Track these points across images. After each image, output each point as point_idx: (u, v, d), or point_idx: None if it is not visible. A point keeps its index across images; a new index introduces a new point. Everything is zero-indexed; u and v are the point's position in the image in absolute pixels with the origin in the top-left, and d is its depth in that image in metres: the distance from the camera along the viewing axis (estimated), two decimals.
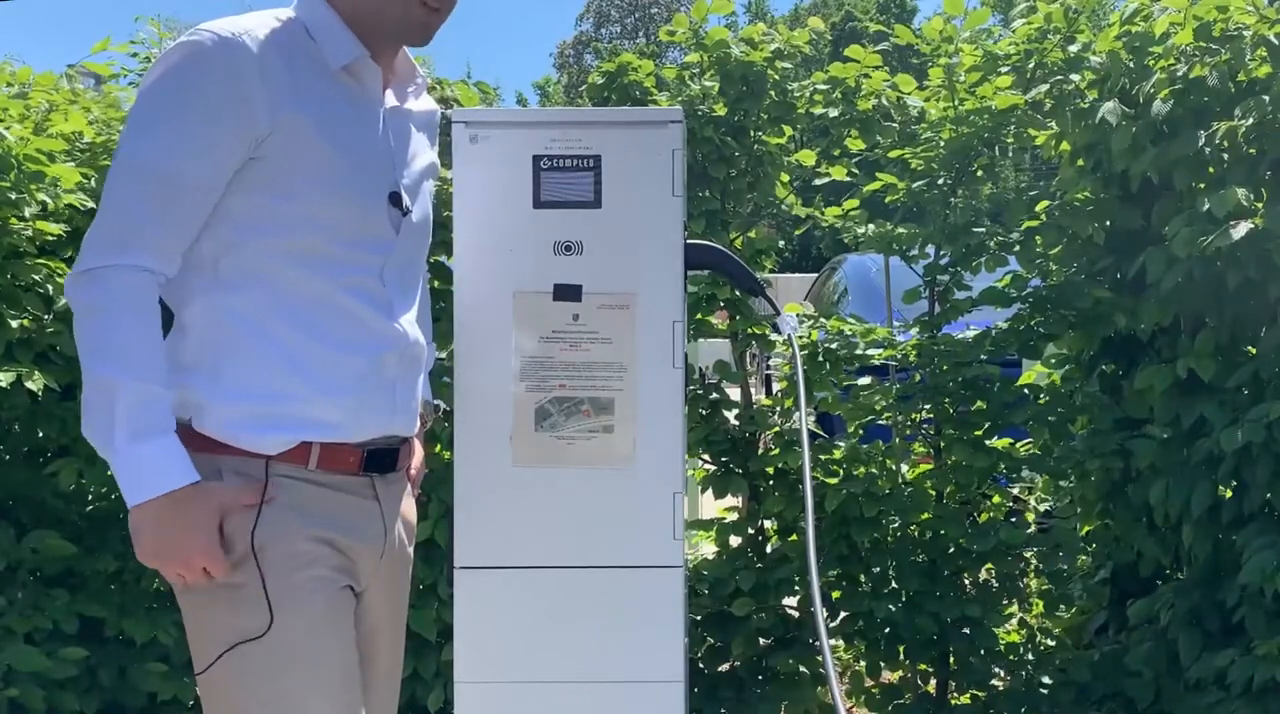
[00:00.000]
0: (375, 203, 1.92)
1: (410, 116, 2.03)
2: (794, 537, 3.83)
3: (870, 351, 3.84)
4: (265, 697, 1.81)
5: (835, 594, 3.82)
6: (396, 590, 2.07)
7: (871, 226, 3.87)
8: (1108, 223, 3.76)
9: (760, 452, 3.89)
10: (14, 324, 3.32)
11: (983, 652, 3.78)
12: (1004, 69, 3.79)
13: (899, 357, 3.87)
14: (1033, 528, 3.99)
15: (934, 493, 3.83)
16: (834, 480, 3.71)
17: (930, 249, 3.90)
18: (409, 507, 2.09)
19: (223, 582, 1.80)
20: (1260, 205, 3.21)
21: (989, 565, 3.84)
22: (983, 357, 3.77)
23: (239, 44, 1.78)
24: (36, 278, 3.40)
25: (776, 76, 3.77)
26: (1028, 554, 3.91)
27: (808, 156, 3.97)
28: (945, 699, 3.87)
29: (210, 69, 1.77)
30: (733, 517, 3.97)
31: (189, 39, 1.79)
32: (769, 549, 3.91)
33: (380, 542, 1.97)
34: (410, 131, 2.02)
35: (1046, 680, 3.81)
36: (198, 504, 1.77)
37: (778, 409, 3.89)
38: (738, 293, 3.74)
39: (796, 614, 3.89)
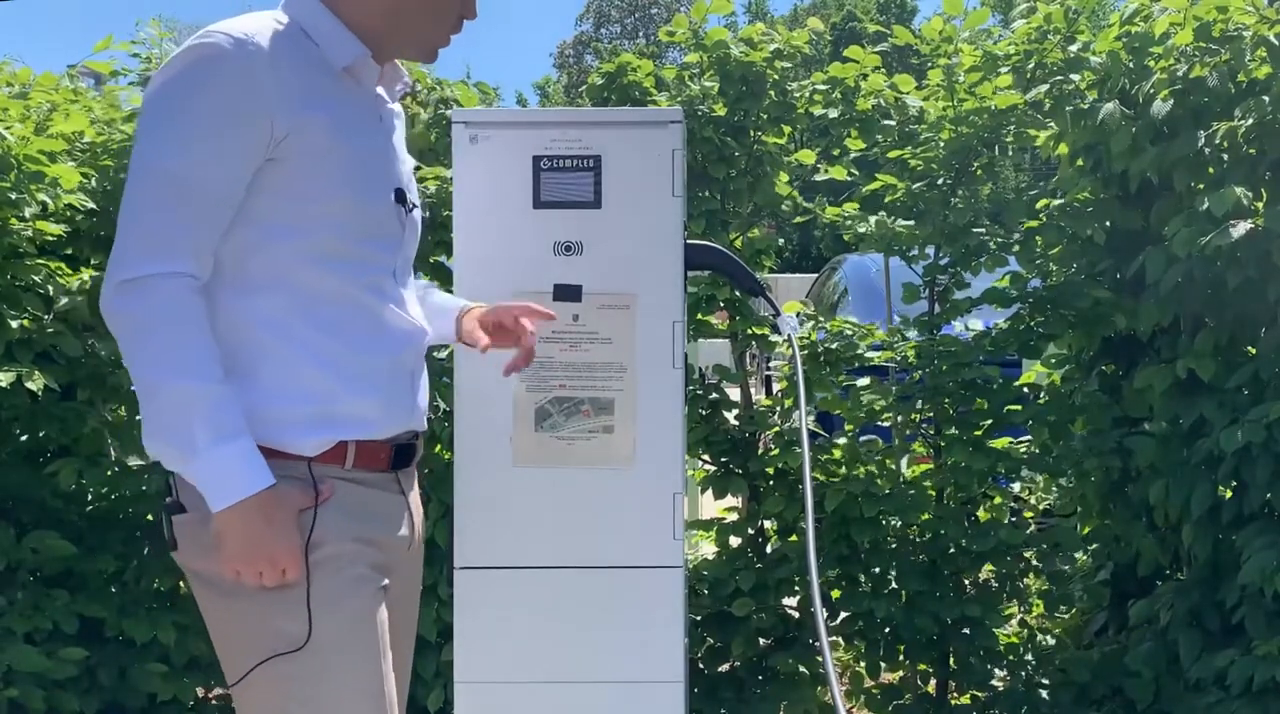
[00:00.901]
0: (385, 200, 1.93)
1: (396, 114, 2.05)
2: (794, 537, 3.83)
3: (870, 352, 3.84)
4: (305, 697, 1.81)
5: (835, 594, 3.82)
6: (413, 585, 2.09)
7: (873, 219, 3.87)
8: (1108, 223, 3.76)
9: (760, 452, 3.88)
10: (14, 324, 3.32)
11: (983, 652, 3.78)
12: (1004, 69, 3.79)
13: (899, 357, 3.87)
14: (1033, 528, 3.98)
15: (934, 493, 3.83)
16: (835, 479, 3.71)
17: (930, 249, 3.90)
18: (419, 502, 2.10)
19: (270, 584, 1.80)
20: (1260, 205, 3.22)
21: (989, 565, 3.84)
22: (982, 357, 3.77)
23: (252, 46, 1.78)
24: (36, 278, 3.40)
25: (776, 76, 3.77)
26: (1028, 554, 3.90)
27: (808, 156, 3.97)
28: (945, 699, 3.86)
29: (227, 72, 1.77)
30: (733, 517, 3.97)
31: (201, 41, 1.79)
32: (769, 549, 3.91)
33: (409, 536, 2.00)
34: (397, 128, 2.04)
35: (1046, 680, 3.81)
36: (279, 505, 1.78)
37: (778, 409, 3.88)
38: (738, 293, 3.74)
39: (796, 614, 3.88)
